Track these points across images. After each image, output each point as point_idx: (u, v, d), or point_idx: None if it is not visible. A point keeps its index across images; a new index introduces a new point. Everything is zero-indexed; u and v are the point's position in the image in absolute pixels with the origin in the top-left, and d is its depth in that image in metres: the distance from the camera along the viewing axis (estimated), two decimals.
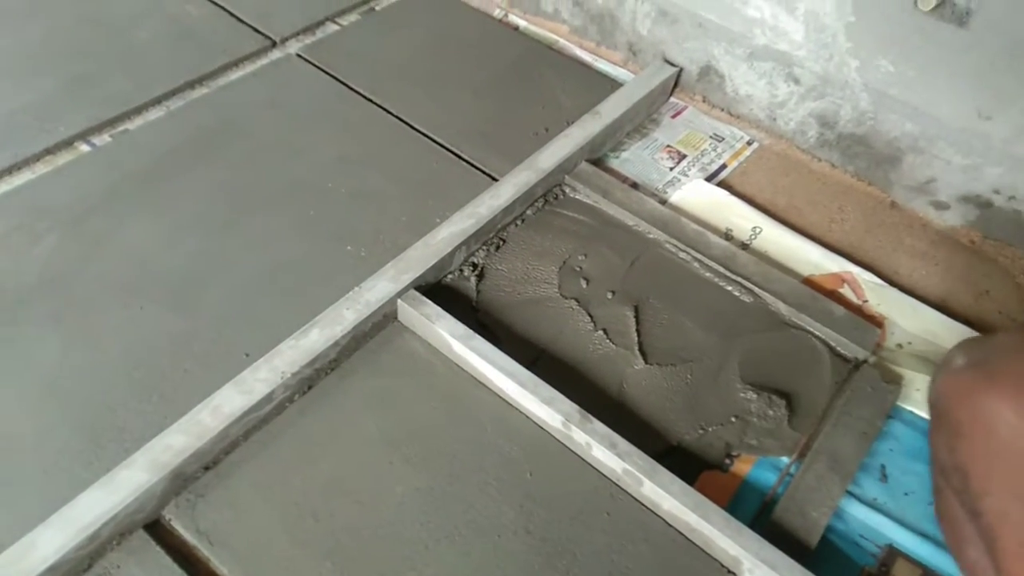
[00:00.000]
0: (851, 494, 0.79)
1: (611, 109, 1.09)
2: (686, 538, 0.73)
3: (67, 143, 1.01)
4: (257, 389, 0.74)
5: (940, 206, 1.06)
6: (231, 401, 0.73)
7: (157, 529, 0.70)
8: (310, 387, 0.80)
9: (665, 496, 0.73)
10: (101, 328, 0.82)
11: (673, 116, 1.18)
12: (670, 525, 0.74)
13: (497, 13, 1.32)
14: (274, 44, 1.19)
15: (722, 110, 1.19)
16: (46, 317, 0.82)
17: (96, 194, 0.95)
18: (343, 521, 0.71)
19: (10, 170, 0.97)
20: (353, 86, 1.13)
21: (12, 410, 0.75)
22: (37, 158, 0.98)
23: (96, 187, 0.95)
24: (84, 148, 1.01)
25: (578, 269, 0.95)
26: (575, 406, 0.77)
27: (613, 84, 1.18)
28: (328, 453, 0.75)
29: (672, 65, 1.18)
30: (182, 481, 0.71)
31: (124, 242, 0.90)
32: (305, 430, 0.77)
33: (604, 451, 0.75)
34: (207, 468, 0.73)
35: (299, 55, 1.17)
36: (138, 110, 1.06)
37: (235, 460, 0.74)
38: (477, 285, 0.92)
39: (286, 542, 0.69)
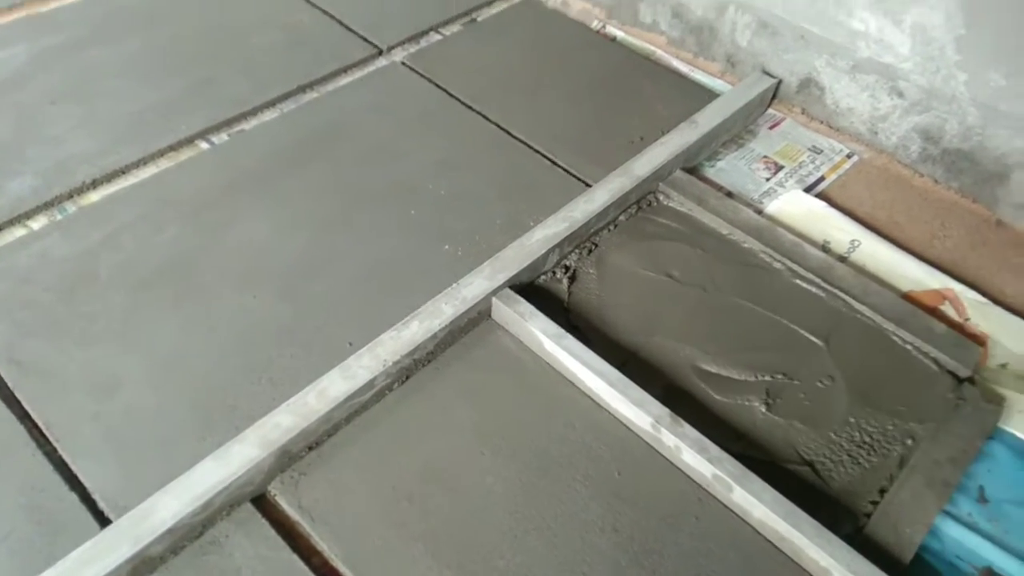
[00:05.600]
0: (948, 513, 0.77)
1: (708, 118, 1.09)
2: (775, 546, 0.73)
3: (189, 141, 1.07)
4: (360, 375, 0.78)
5: None
6: (335, 385, 0.77)
7: (263, 503, 0.74)
8: (408, 377, 0.83)
9: (756, 503, 0.72)
10: (217, 313, 0.87)
11: (771, 127, 1.17)
12: (759, 532, 0.74)
13: (595, 24, 1.34)
14: (380, 52, 1.24)
15: (821, 122, 1.17)
16: (168, 300, 0.88)
17: (214, 189, 1.01)
18: (436, 506, 0.74)
19: (137, 164, 1.04)
20: (454, 93, 1.17)
21: (135, 384, 0.81)
22: (162, 154, 1.06)
23: (214, 182, 1.01)
24: (204, 146, 1.07)
25: (670, 275, 0.95)
26: (665, 409, 0.78)
27: (710, 95, 1.19)
28: (423, 441, 0.78)
29: (771, 76, 1.18)
30: (288, 459, 0.75)
31: (239, 234, 0.95)
32: (403, 417, 0.80)
33: (694, 455, 0.75)
34: (311, 448, 0.77)
35: (404, 63, 1.22)
36: (254, 111, 1.12)
37: (337, 442, 0.78)
38: (569, 287, 0.94)
39: (381, 523, 0.72)
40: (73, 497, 0.72)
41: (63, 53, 1.18)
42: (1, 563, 0.68)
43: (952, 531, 0.76)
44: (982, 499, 0.79)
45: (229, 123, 1.11)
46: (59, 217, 0.97)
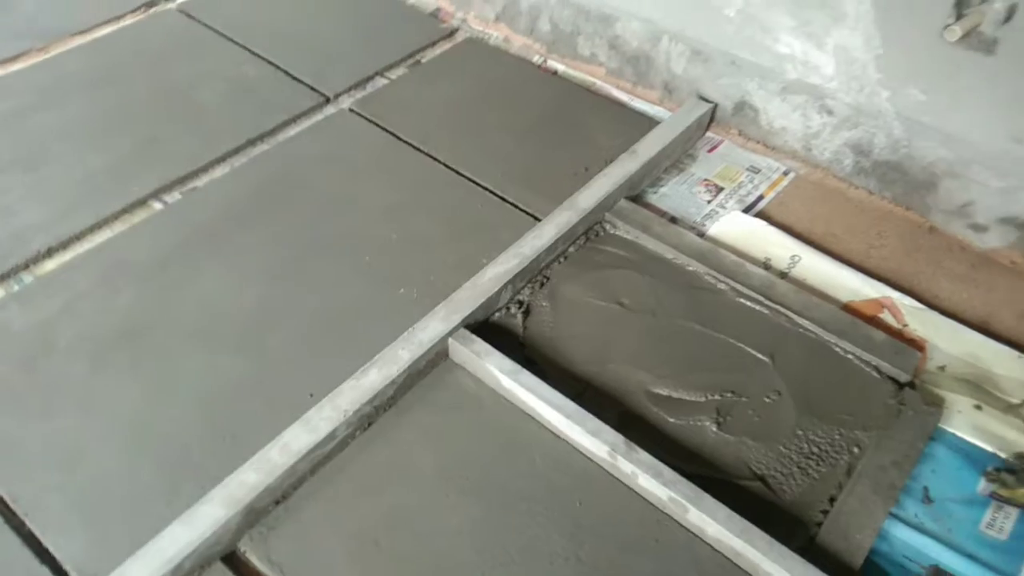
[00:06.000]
0: (895, 516, 0.80)
1: (647, 148, 1.13)
2: (732, 562, 0.76)
3: (141, 202, 1.09)
4: (321, 427, 0.80)
5: (979, 228, 1.07)
6: (298, 439, 0.79)
7: (234, 560, 0.76)
8: (370, 423, 0.85)
9: (711, 522, 0.75)
10: (177, 374, 0.89)
11: (710, 150, 1.21)
12: (716, 550, 0.76)
13: (536, 59, 1.38)
14: (328, 100, 1.27)
15: (758, 143, 1.22)
16: (127, 365, 0.89)
17: (169, 248, 1.02)
18: (403, 550, 0.76)
19: (91, 229, 1.05)
20: (402, 136, 1.20)
21: (99, 452, 0.82)
22: (115, 217, 1.07)
23: (169, 242, 1.03)
24: (157, 206, 1.09)
25: (620, 302, 0.98)
26: (620, 436, 0.81)
27: (650, 122, 1.23)
28: (388, 486, 0.80)
29: (707, 101, 1.22)
30: (255, 515, 0.77)
31: (196, 292, 0.97)
32: (366, 465, 0.82)
33: (650, 479, 0.78)
34: (277, 502, 0.78)
35: (351, 109, 1.25)
36: (205, 168, 1.14)
37: (303, 494, 0.79)
38: (524, 321, 0.97)
39: (350, 571, 0.74)
40: (44, 571, 0.73)
41: (9, 121, 1.19)
42: None
43: (900, 533, 0.80)
44: (927, 499, 0.82)
45: (181, 181, 1.12)
46: (16, 288, 0.98)
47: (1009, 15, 0.90)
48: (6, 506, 0.77)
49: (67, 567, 0.74)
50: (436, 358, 0.91)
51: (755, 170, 1.18)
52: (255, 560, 0.75)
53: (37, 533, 0.76)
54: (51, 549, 0.75)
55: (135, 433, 0.83)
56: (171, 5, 1.46)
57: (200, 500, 0.75)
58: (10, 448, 0.81)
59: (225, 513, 0.74)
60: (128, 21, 1.42)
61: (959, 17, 0.93)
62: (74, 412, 0.85)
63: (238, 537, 0.76)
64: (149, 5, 1.46)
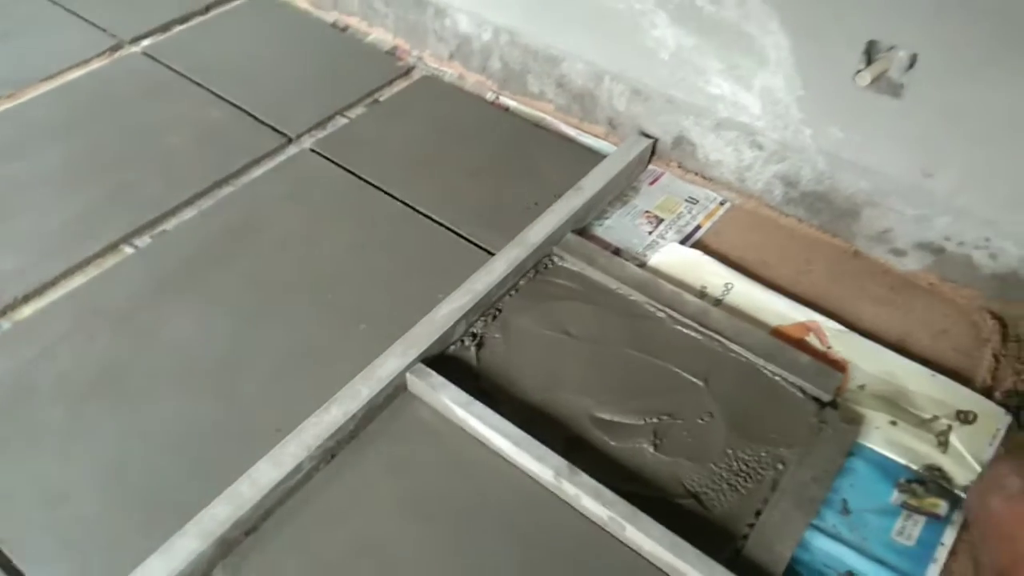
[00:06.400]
0: (816, 527, 0.89)
1: (592, 183, 1.21)
2: (667, 575, 0.83)
3: (113, 247, 1.15)
4: (287, 462, 0.87)
5: (899, 253, 1.16)
6: (266, 474, 0.86)
7: None
8: (333, 456, 0.92)
9: (645, 539, 0.83)
10: (153, 415, 0.95)
11: (651, 183, 1.29)
12: (652, 563, 0.84)
13: (489, 96, 1.45)
14: (290, 140, 1.33)
15: (696, 174, 1.30)
16: (106, 407, 0.95)
17: (141, 292, 1.08)
18: (368, 575, 0.82)
19: (65, 275, 1.10)
20: (362, 175, 1.27)
21: (80, 491, 0.88)
22: (88, 262, 1.12)
23: (141, 285, 1.09)
24: (128, 250, 1.15)
25: (567, 332, 1.06)
26: (564, 461, 0.88)
27: (596, 156, 1.30)
28: (351, 516, 0.87)
29: (648, 137, 1.30)
30: (227, 546, 0.83)
31: (168, 335, 1.03)
32: (331, 496, 0.89)
33: (591, 500, 0.86)
34: (247, 533, 0.85)
35: (312, 149, 1.31)
36: (173, 211, 1.20)
37: (271, 525, 0.86)
38: (477, 353, 1.04)
39: None
40: None
41: None
42: None
43: (819, 542, 0.88)
44: (845, 511, 0.91)
45: (151, 225, 1.18)
46: None
47: (912, 62, 0.99)
48: None
49: None
50: (395, 392, 0.97)
51: (693, 201, 1.26)
52: None
53: (24, 571, 0.81)
54: None
55: (114, 472, 0.89)
56: (135, 48, 1.51)
57: (176, 533, 0.81)
58: None
59: (199, 545, 0.80)
60: (95, 65, 1.47)
61: (869, 63, 1.02)
62: (56, 454, 0.90)
63: (211, 567, 0.82)
64: (114, 49, 1.51)
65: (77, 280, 1.10)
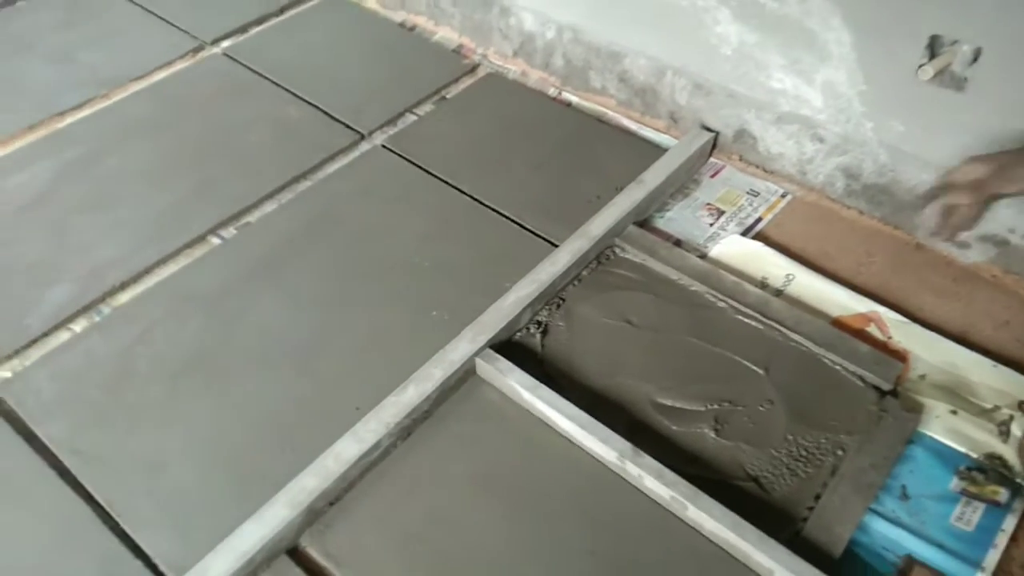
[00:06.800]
0: (874, 511, 0.91)
1: (653, 177, 1.24)
2: (727, 553, 0.87)
3: (201, 238, 1.22)
4: (368, 438, 0.93)
5: (962, 245, 1.17)
6: (348, 448, 0.92)
7: (296, 554, 0.88)
8: (409, 434, 0.98)
9: (707, 518, 0.87)
10: (242, 393, 1.02)
11: (712, 176, 1.32)
12: (712, 542, 0.88)
13: (552, 92, 1.50)
14: (363, 137, 1.40)
15: (757, 167, 1.32)
16: (199, 386, 1.03)
17: (229, 279, 1.15)
18: (440, 544, 0.88)
19: (159, 264, 1.19)
20: (431, 170, 1.32)
21: (180, 461, 0.95)
22: (179, 252, 1.20)
23: (229, 274, 1.16)
24: (215, 241, 1.22)
25: (629, 320, 1.10)
26: (628, 443, 0.92)
27: (657, 150, 1.34)
28: (426, 488, 0.93)
29: (709, 130, 1.33)
30: (314, 515, 0.89)
31: (255, 320, 1.10)
32: (407, 470, 0.94)
33: (654, 481, 0.90)
34: (332, 504, 0.91)
35: (384, 146, 1.37)
36: (256, 205, 1.27)
37: (354, 496, 0.92)
38: (542, 340, 1.09)
39: (395, 562, 0.87)
40: (138, 564, 0.86)
41: (81, 166, 1.33)
42: None
43: (878, 526, 0.90)
44: (904, 496, 0.93)
45: (236, 217, 1.26)
46: (97, 319, 1.11)
47: (976, 56, 1.00)
48: (103, 510, 0.91)
49: (157, 561, 0.87)
50: (465, 375, 1.03)
51: (754, 193, 1.28)
52: (314, 553, 0.88)
53: (130, 532, 0.89)
54: (143, 546, 0.88)
55: (209, 445, 0.97)
56: (216, 50, 1.59)
57: (267, 503, 0.88)
58: (104, 460, 0.95)
59: (289, 513, 0.86)
60: (179, 66, 1.56)
61: (932, 57, 1.03)
62: (156, 428, 0.98)
63: (300, 534, 0.89)
64: (196, 51, 1.59)
65: (169, 268, 1.18)
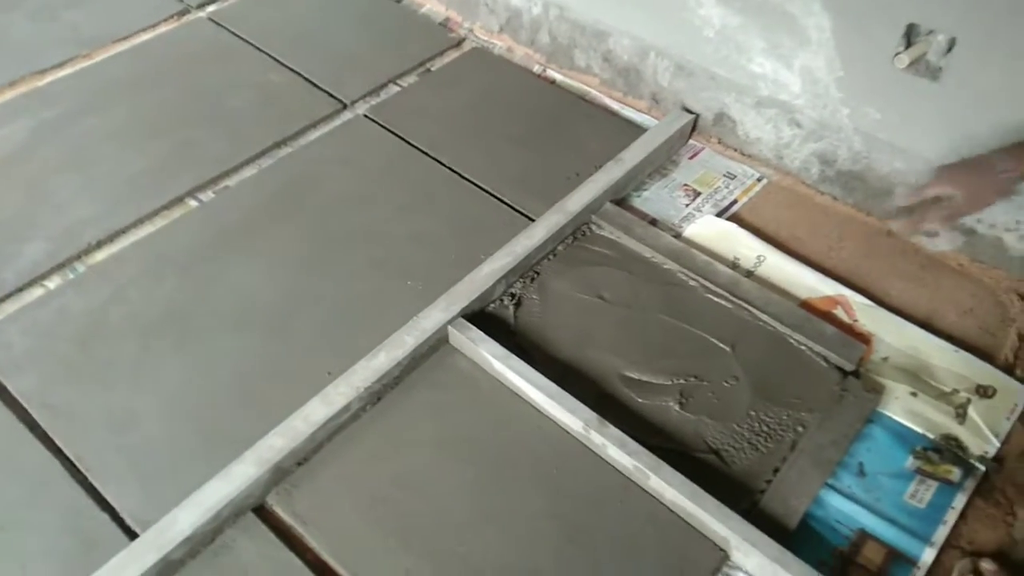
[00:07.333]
0: (831, 486, 0.93)
1: (632, 156, 1.25)
2: (685, 522, 0.89)
3: (179, 199, 1.22)
4: (337, 401, 0.94)
5: (930, 233, 1.18)
6: (317, 411, 0.93)
7: (262, 512, 0.90)
8: (379, 399, 0.99)
9: (667, 487, 0.88)
10: (214, 353, 1.03)
11: (691, 157, 1.33)
12: (672, 511, 0.90)
13: (536, 68, 1.50)
14: (345, 106, 1.40)
15: (735, 151, 1.34)
16: (171, 345, 1.03)
17: (205, 242, 1.16)
18: (406, 506, 0.89)
19: (135, 224, 1.19)
20: (412, 141, 1.32)
21: (149, 418, 0.96)
22: (156, 213, 1.20)
23: (205, 236, 1.16)
24: (193, 203, 1.22)
25: (601, 296, 1.11)
26: (594, 413, 0.94)
27: (638, 130, 1.35)
28: (394, 452, 0.94)
29: (689, 112, 1.34)
30: (281, 474, 0.91)
31: (229, 282, 1.11)
32: (376, 434, 0.96)
33: (617, 450, 0.91)
34: (300, 464, 0.92)
35: (366, 115, 1.37)
36: (235, 169, 1.27)
37: (322, 457, 0.93)
38: (515, 312, 1.10)
39: (362, 522, 0.88)
40: (105, 517, 0.87)
41: (60, 125, 1.32)
42: (49, 573, 0.84)
43: (834, 501, 0.92)
44: (861, 473, 0.95)
45: (214, 181, 1.26)
46: (71, 276, 1.11)
47: (950, 46, 1.01)
48: (72, 464, 0.92)
49: (123, 514, 0.88)
50: (437, 343, 1.04)
51: (731, 176, 1.30)
52: (281, 512, 0.89)
53: (98, 486, 0.90)
54: (110, 499, 0.89)
55: (179, 403, 0.97)
56: (202, 14, 1.58)
57: (235, 460, 0.88)
58: (74, 415, 0.96)
59: (256, 471, 0.87)
60: (163, 29, 1.55)
61: (908, 46, 1.04)
62: (127, 384, 0.99)
63: (267, 492, 0.90)
64: (181, 13, 1.58)
65: (146, 229, 1.18)
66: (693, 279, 1.13)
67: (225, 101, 1.39)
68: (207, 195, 1.24)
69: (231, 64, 1.47)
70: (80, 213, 1.19)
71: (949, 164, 0.95)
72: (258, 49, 1.50)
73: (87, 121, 1.34)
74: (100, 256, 1.15)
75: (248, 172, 1.28)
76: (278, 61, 1.47)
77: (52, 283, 1.10)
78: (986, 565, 0.85)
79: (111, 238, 1.16)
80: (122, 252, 1.15)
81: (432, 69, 1.49)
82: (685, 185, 1.28)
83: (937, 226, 0.92)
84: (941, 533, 0.90)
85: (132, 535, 0.85)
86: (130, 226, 1.18)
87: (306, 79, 1.44)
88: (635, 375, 1.02)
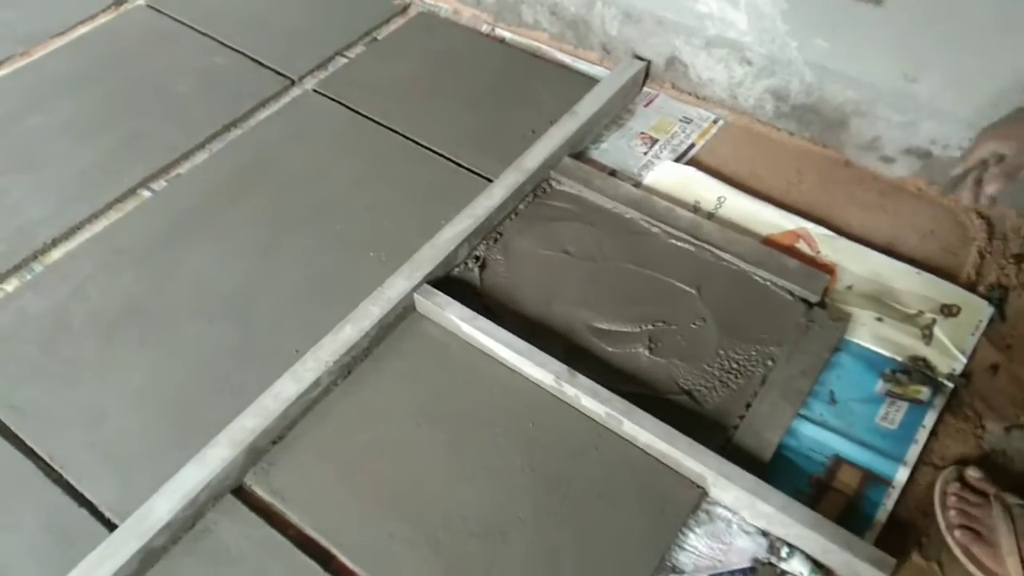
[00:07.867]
0: (803, 416, 0.94)
1: (586, 108, 1.24)
2: (662, 463, 0.90)
3: (131, 191, 1.20)
4: (307, 377, 0.93)
5: (888, 160, 1.19)
6: (288, 388, 0.92)
7: (241, 492, 0.89)
8: (349, 372, 0.98)
9: (641, 431, 0.89)
10: (178, 342, 1.02)
11: (646, 105, 1.33)
12: (647, 454, 0.90)
13: (485, 28, 1.48)
14: (293, 82, 1.37)
15: (689, 94, 1.33)
16: (134, 337, 1.02)
17: (161, 232, 1.14)
18: (384, 474, 0.90)
19: (89, 219, 1.17)
20: (363, 112, 1.31)
21: (119, 412, 0.95)
22: (109, 206, 1.18)
23: (160, 226, 1.15)
24: (146, 194, 1.21)
25: (566, 251, 1.11)
26: (564, 366, 0.94)
27: (591, 81, 1.33)
28: (368, 422, 0.94)
29: (641, 59, 1.33)
30: (257, 453, 0.90)
31: (188, 269, 1.09)
32: (349, 406, 0.96)
33: (590, 399, 0.92)
34: (275, 442, 0.92)
35: (315, 90, 1.35)
36: (186, 156, 1.25)
37: (296, 434, 0.93)
38: (480, 274, 1.09)
39: (341, 493, 0.88)
40: (83, 512, 0.87)
41: (4, 126, 1.29)
42: (31, 573, 0.83)
43: (806, 430, 0.93)
44: (832, 401, 0.96)
45: (166, 169, 1.24)
46: (28, 277, 1.10)
47: None
48: (45, 463, 0.91)
49: (101, 507, 0.87)
50: (404, 312, 1.03)
51: (687, 120, 1.29)
52: (259, 491, 0.89)
53: (73, 483, 0.89)
54: (86, 494, 0.88)
55: (147, 395, 0.97)
56: (140, 1, 1.55)
57: (209, 444, 0.88)
58: (43, 415, 0.95)
59: (230, 453, 0.87)
60: (101, 20, 1.51)
61: None
62: (93, 380, 0.98)
63: (244, 472, 0.90)
64: (119, 3, 1.54)
65: (100, 224, 1.17)
66: (655, 226, 1.13)
67: (171, 88, 1.36)
68: (160, 184, 1.22)
69: (174, 50, 1.44)
70: (32, 213, 1.17)
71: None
72: (200, 33, 1.47)
73: (32, 120, 1.31)
74: (56, 255, 1.13)
75: (200, 157, 1.26)
76: (221, 43, 1.44)
77: (10, 286, 1.09)
78: (972, 473, 0.86)
79: (66, 236, 1.15)
80: (78, 249, 1.13)
81: (379, 38, 1.47)
82: (642, 133, 1.28)
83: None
84: (913, 452, 0.91)
85: (112, 526, 0.85)
86: (84, 222, 1.16)
87: (251, 58, 1.41)
88: (604, 325, 1.03)
